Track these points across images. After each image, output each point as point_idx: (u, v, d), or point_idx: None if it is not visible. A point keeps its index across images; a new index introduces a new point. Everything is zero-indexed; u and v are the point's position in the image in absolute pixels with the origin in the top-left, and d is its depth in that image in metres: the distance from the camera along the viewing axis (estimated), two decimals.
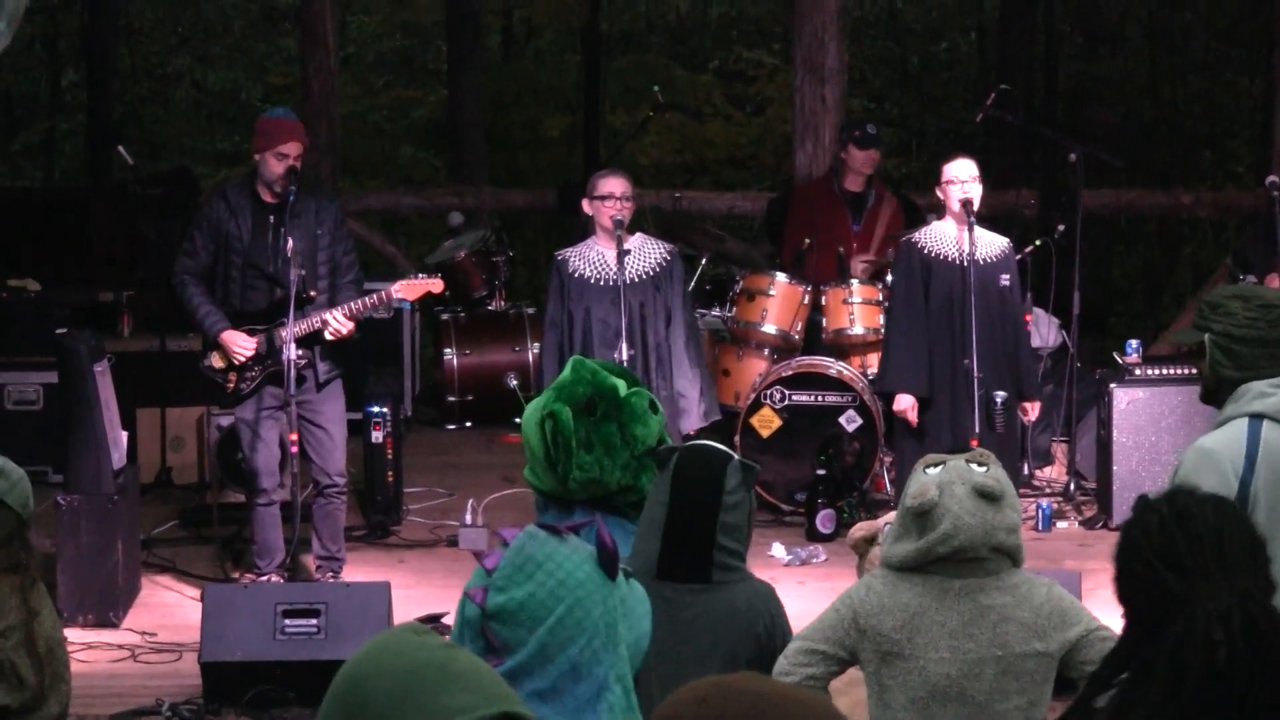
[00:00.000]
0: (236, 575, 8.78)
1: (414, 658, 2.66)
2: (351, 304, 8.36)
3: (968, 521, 4.56)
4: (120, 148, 10.83)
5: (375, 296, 8.47)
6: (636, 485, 5.23)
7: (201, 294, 8.41)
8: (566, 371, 5.21)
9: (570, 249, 8.81)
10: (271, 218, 8.29)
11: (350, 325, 8.34)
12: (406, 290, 8.61)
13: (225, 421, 9.52)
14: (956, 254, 8.78)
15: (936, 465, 4.71)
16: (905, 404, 8.84)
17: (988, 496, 4.59)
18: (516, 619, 3.40)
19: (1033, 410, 9.08)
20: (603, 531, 3.50)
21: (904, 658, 4.59)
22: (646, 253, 8.72)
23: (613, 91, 19.72)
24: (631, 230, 8.78)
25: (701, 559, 4.63)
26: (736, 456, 4.77)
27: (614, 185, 8.62)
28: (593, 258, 8.63)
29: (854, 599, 4.67)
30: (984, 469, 4.66)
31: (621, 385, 5.22)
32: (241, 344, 8.33)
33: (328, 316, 8.29)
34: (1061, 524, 9.71)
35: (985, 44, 21.23)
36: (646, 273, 8.66)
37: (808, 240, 10.57)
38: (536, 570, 3.42)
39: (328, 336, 8.32)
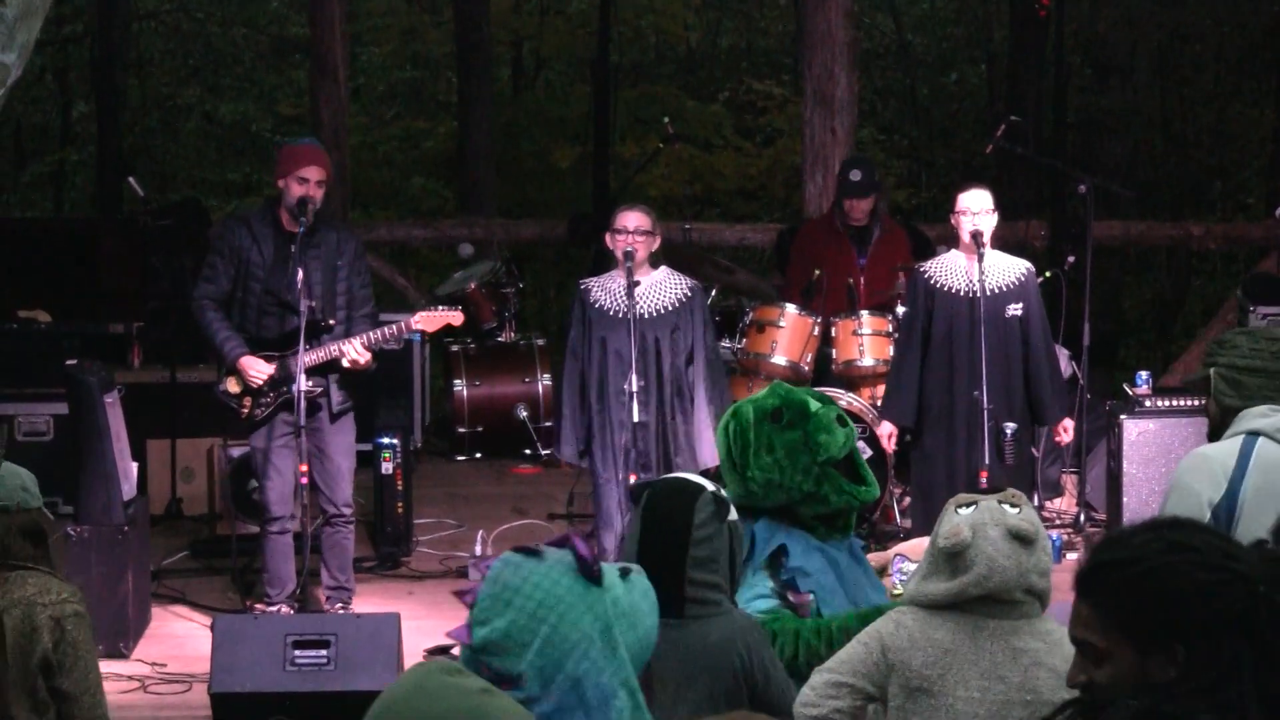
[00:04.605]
0: (248, 604, 8.78)
1: (448, 704, 2.60)
2: (369, 334, 8.35)
3: (1002, 564, 4.52)
4: (131, 179, 10.84)
5: (394, 327, 8.46)
6: (819, 493, 5.40)
7: (220, 319, 8.41)
8: (763, 390, 5.57)
9: (593, 279, 8.81)
10: (293, 247, 8.29)
11: (368, 355, 8.33)
12: (426, 322, 8.59)
13: (237, 452, 9.54)
14: (964, 286, 8.75)
15: (969, 505, 4.67)
16: (884, 430, 8.93)
17: (1022, 539, 4.55)
18: (504, 648, 3.34)
19: (1066, 432, 9.05)
20: (575, 540, 3.48)
21: (932, 695, 4.53)
22: (668, 287, 8.67)
23: (622, 123, 19.76)
24: (655, 264, 8.76)
25: (673, 594, 4.55)
26: (710, 489, 4.72)
27: (626, 219, 8.59)
28: (613, 288, 8.61)
29: (883, 633, 4.61)
30: (1017, 510, 4.62)
31: (813, 401, 5.40)
32: (259, 369, 8.33)
33: (345, 346, 8.29)
34: (1071, 555, 9.68)
35: (995, 75, 21.25)
36: (666, 307, 8.61)
37: (817, 271, 10.55)
38: (514, 595, 3.35)
39: (345, 365, 8.32)
